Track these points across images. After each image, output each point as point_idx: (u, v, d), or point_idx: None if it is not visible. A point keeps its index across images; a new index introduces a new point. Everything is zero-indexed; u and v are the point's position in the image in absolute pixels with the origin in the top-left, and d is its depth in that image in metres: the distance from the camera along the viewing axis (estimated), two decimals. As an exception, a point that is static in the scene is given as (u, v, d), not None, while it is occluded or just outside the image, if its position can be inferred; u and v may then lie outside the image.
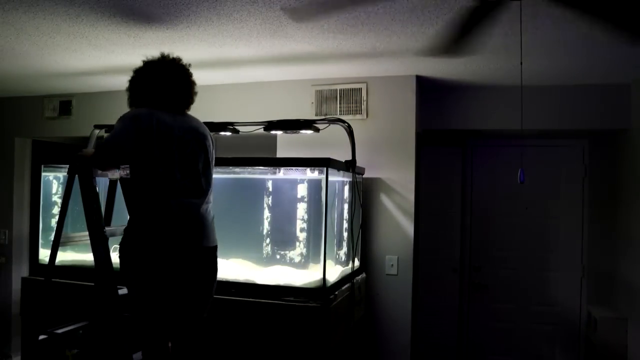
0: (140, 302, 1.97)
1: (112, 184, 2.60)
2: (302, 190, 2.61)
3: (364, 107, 3.27)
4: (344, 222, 2.89)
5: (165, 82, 2.04)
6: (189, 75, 2.12)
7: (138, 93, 2.08)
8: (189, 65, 2.13)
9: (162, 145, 1.97)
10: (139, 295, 1.97)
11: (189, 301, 2.06)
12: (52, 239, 2.27)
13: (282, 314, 2.32)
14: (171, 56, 2.10)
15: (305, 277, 2.48)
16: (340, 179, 2.83)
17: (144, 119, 1.96)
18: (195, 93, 2.15)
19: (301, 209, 2.61)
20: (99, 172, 2.25)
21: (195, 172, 2.05)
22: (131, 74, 2.10)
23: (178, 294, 2.01)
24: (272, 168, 2.70)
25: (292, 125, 2.80)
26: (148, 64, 2.08)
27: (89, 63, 3.05)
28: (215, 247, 2.14)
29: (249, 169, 2.71)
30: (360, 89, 3.28)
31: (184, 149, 2.02)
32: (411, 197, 3.18)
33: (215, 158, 2.35)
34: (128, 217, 2.06)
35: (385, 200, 3.23)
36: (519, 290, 3.95)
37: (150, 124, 1.96)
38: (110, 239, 2.16)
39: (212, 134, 2.26)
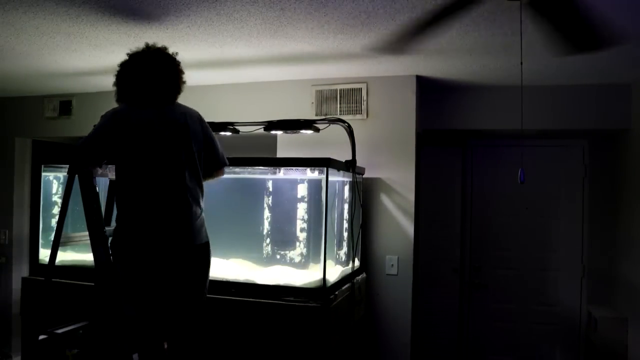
0: (130, 301, 1.98)
1: (112, 184, 2.60)
2: (302, 190, 2.61)
3: (364, 107, 3.27)
4: (344, 222, 2.89)
5: (146, 76, 2.00)
6: (174, 65, 2.06)
7: (122, 88, 2.05)
8: (176, 54, 2.08)
9: (140, 143, 1.95)
10: (127, 294, 1.99)
11: (177, 300, 2.04)
12: (52, 239, 2.27)
13: (282, 314, 2.32)
14: (156, 46, 2.04)
15: (305, 277, 2.48)
16: (341, 179, 2.83)
17: (122, 117, 1.95)
18: (183, 83, 2.09)
19: (301, 209, 2.61)
20: (99, 172, 2.25)
21: (177, 168, 2.00)
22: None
23: (164, 293, 2.00)
24: (272, 168, 2.70)
25: (292, 125, 2.80)
26: (131, 57, 2.04)
27: (89, 63, 3.05)
28: (204, 245, 2.08)
29: (249, 169, 2.70)
30: (360, 89, 3.28)
31: (164, 144, 1.98)
32: (411, 197, 3.18)
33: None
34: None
35: (385, 200, 3.23)
36: (519, 290, 3.95)
37: (128, 121, 1.94)
38: (110, 239, 2.16)
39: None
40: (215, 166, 2.20)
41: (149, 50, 2.04)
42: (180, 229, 2.00)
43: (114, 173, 2.37)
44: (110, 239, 2.10)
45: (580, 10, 1.84)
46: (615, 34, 2.22)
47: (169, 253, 1.98)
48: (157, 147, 1.98)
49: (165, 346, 2.10)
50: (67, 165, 2.23)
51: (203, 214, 2.10)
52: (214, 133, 2.22)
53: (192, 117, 2.11)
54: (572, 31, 2.06)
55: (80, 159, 2.02)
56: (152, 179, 1.97)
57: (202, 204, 2.10)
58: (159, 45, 2.07)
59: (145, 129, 1.96)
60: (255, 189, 2.79)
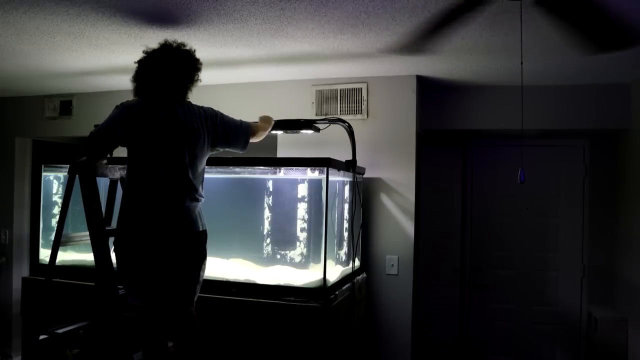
0: (135, 290, 2.01)
1: (112, 184, 2.60)
2: (302, 190, 2.61)
3: (364, 107, 3.27)
4: (345, 222, 2.89)
5: (168, 74, 2.03)
6: (188, 63, 2.09)
7: (141, 83, 2.06)
8: (193, 50, 2.11)
9: (150, 140, 1.98)
10: (130, 289, 2.02)
11: (178, 280, 2.07)
12: (53, 238, 2.27)
13: (283, 314, 2.32)
14: (174, 44, 2.07)
15: (305, 277, 2.48)
16: (341, 178, 2.83)
17: (138, 111, 1.98)
18: (196, 80, 2.13)
19: (302, 209, 2.61)
20: (100, 171, 2.25)
21: (180, 167, 2.04)
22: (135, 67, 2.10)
23: (168, 276, 2.03)
24: (272, 168, 2.70)
25: (292, 125, 2.80)
26: (154, 53, 2.06)
27: (89, 63, 3.05)
28: (203, 232, 2.14)
29: (249, 169, 2.70)
30: (360, 89, 3.28)
31: (171, 144, 2.02)
32: (411, 197, 3.18)
33: (216, 158, 2.35)
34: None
35: (385, 200, 3.23)
36: (519, 290, 3.95)
37: (142, 116, 1.97)
38: (110, 239, 2.16)
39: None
40: (245, 137, 2.36)
41: (173, 48, 2.06)
42: (182, 218, 2.05)
43: (115, 172, 2.38)
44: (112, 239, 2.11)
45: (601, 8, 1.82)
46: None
47: (172, 239, 2.03)
48: (165, 145, 2.01)
49: (170, 345, 2.11)
50: (68, 165, 2.23)
51: (201, 206, 2.15)
52: (226, 116, 2.33)
53: (203, 123, 2.15)
54: (594, 29, 2.03)
55: (95, 145, 1.95)
56: (157, 173, 2.00)
57: (201, 197, 2.14)
58: (177, 42, 2.09)
59: (156, 125, 1.99)
60: (256, 189, 2.79)
